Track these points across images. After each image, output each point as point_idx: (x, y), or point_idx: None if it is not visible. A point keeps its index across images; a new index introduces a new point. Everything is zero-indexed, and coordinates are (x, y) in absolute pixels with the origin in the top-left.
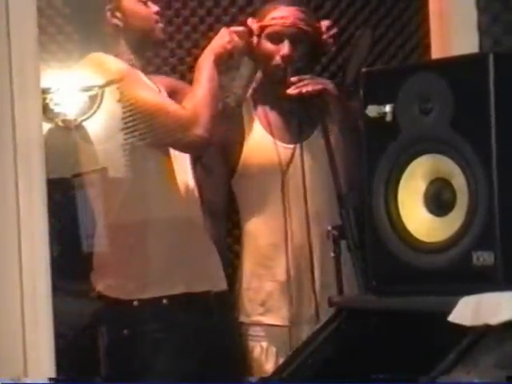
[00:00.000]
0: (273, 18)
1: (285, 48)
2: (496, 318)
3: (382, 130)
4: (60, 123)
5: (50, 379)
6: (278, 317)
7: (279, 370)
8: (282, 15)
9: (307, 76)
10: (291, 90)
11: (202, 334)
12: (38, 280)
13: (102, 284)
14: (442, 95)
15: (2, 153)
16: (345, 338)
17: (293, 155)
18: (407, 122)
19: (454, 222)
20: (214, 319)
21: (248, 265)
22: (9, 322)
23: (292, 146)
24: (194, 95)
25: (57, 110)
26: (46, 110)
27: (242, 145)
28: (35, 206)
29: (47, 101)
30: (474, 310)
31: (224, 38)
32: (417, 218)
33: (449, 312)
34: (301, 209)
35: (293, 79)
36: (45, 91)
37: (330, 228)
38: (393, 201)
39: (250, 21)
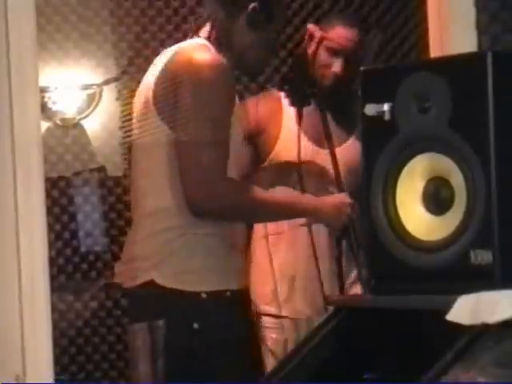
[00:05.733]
0: (337, 33)
1: (339, 65)
2: (494, 317)
3: (380, 129)
4: (58, 122)
5: (49, 379)
6: (285, 309)
7: (277, 369)
8: (346, 35)
9: None
10: None
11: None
12: (36, 279)
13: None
14: (441, 94)
15: (0, 152)
16: (343, 337)
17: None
18: (405, 121)
19: (452, 220)
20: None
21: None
22: (7, 322)
23: (326, 150)
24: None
25: (55, 108)
26: (44, 109)
27: (276, 138)
28: (33, 204)
29: (45, 99)
30: (472, 308)
31: None
32: (415, 216)
33: (447, 311)
34: None
35: None
36: (43, 90)
37: (330, 229)
38: (391, 199)
39: (311, 26)
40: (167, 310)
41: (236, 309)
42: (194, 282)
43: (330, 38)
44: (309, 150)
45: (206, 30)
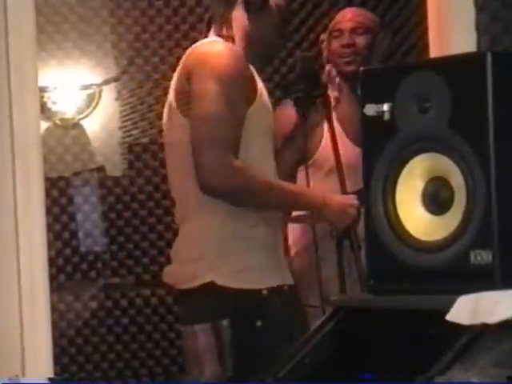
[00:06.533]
0: (339, 15)
1: (344, 38)
2: (494, 317)
3: (379, 129)
4: (58, 122)
5: (49, 379)
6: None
7: (276, 369)
8: (341, 15)
9: None
10: None
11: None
12: (36, 279)
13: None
14: (440, 94)
15: (0, 152)
16: (342, 337)
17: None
18: (405, 121)
19: (451, 220)
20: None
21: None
22: (7, 321)
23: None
24: None
25: (54, 108)
26: (43, 109)
27: (320, 138)
28: (33, 204)
29: (45, 99)
30: (471, 308)
31: None
32: (415, 216)
33: (447, 311)
34: None
35: None
36: (42, 90)
37: (333, 228)
38: (391, 199)
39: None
40: (230, 309)
41: (295, 303)
42: (255, 279)
43: (334, 23)
44: (349, 149)
45: (212, 30)
